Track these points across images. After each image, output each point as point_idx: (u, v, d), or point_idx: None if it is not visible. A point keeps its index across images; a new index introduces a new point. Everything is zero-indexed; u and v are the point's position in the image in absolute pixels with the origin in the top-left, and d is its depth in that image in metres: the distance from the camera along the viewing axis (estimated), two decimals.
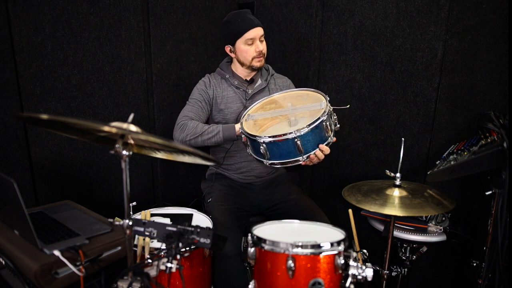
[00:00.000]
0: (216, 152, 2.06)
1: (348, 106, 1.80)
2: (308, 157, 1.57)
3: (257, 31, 1.88)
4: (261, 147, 1.58)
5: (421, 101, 2.05)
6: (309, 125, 1.51)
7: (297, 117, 1.69)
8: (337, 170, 2.38)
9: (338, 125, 1.66)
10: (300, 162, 1.59)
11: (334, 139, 1.62)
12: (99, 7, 1.86)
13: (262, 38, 1.92)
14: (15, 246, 1.21)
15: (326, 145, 1.58)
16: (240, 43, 1.90)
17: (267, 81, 2.02)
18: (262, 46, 1.91)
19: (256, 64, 1.93)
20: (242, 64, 1.95)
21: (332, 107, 1.63)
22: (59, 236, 1.26)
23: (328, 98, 1.65)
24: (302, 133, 1.51)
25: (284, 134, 1.52)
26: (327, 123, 1.57)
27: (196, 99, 1.96)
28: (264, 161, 1.62)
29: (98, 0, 1.85)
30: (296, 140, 1.52)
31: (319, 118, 1.53)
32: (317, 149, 1.57)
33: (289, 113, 1.72)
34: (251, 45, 1.89)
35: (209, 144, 1.85)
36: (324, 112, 1.55)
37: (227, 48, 1.97)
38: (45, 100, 1.77)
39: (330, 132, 1.60)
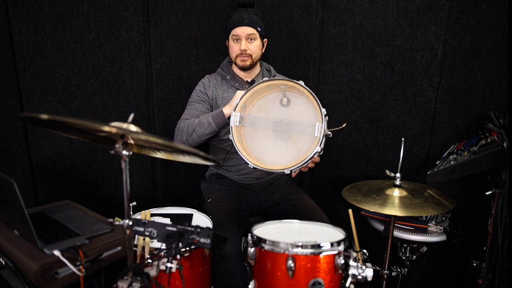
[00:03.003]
0: (216, 153, 2.05)
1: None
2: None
3: (244, 30, 1.87)
4: None
5: (421, 101, 2.05)
6: (300, 165, 1.54)
7: (290, 97, 1.66)
8: (337, 170, 2.38)
9: (330, 134, 1.59)
10: (287, 173, 1.59)
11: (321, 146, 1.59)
12: (99, 7, 1.86)
13: (252, 37, 1.89)
14: (15, 246, 1.21)
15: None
16: (230, 39, 1.93)
17: None
18: (248, 46, 1.88)
19: (239, 63, 1.92)
20: (234, 62, 1.97)
21: (327, 131, 1.58)
22: (59, 236, 1.26)
23: (327, 118, 1.57)
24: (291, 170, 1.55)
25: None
26: None
27: (195, 101, 1.96)
28: (249, 163, 1.61)
29: (98, 0, 1.85)
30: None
31: (307, 157, 1.53)
32: None
33: (282, 129, 1.67)
34: (236, 43, 1.90)
35: (207, 136, 1.83)
36: (318, 143, 1.54)
37: (227, 43, 1.99)
38: (45, 100, 1.77)
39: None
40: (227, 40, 1.98)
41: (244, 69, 1.95)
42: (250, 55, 1.91)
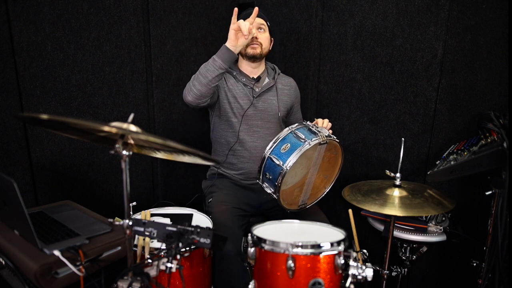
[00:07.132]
0: (218, 149, 2.06)
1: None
2: None
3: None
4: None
5: (421, 101, 2.05)
6: None
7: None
8: None
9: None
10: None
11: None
12: (99, 7, 1.86)
13: (262, 28, 1.96)
14: (15, 246, 1.21)
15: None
16: None
17: (275, 80, 2.05)
18: (258, 35, 1.94)
19: (250, 51, 1.94)
20: (242, 54, 1.99)
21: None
22: (59, 236, 1.26)
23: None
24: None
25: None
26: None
27: None
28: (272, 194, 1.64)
29: (98, 0, 1.85)
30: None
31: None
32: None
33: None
34: None
35: (213, 76, 1.72)
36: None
37: None
38: (45, 100, 1.77)
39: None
40: None
41: (253, 57, 1.96)
42: (260, 44, 1.95)
